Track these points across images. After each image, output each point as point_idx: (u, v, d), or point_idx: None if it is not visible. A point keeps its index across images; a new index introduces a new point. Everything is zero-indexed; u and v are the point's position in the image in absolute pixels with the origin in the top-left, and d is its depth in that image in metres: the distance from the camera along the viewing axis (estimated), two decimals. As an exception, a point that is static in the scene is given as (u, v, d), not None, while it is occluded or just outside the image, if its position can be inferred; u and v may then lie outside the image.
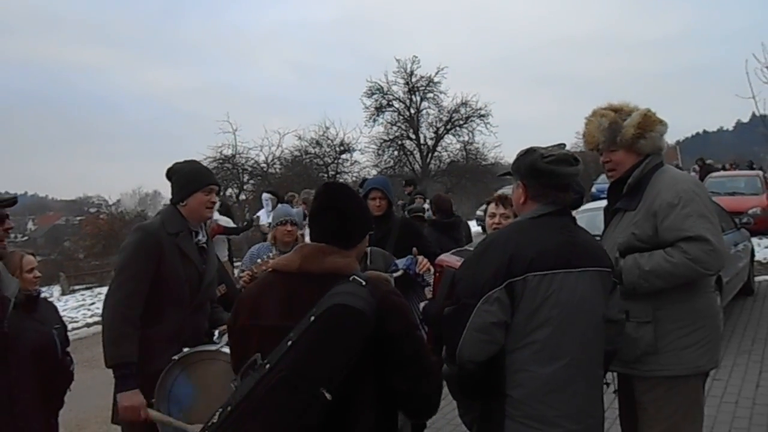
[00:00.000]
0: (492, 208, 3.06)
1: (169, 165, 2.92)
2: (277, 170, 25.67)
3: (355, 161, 27.16)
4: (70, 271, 20.08)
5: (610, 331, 2.09)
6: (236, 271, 6.44)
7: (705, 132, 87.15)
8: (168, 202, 2.94)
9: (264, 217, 9.51)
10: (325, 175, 25.20)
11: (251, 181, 25.57)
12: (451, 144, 28.09)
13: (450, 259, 2.68)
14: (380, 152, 27.29)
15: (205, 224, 2.98)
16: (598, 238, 2.49)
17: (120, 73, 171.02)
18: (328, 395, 1.56)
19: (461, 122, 27.57)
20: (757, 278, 8.65)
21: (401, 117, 27.78)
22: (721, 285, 5.84)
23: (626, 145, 2.53)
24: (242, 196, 24.79)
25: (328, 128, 26.16)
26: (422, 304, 2.95)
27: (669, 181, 2.47)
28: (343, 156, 26.68)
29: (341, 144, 26.37)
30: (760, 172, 15.44)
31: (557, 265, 1.96)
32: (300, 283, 1.75)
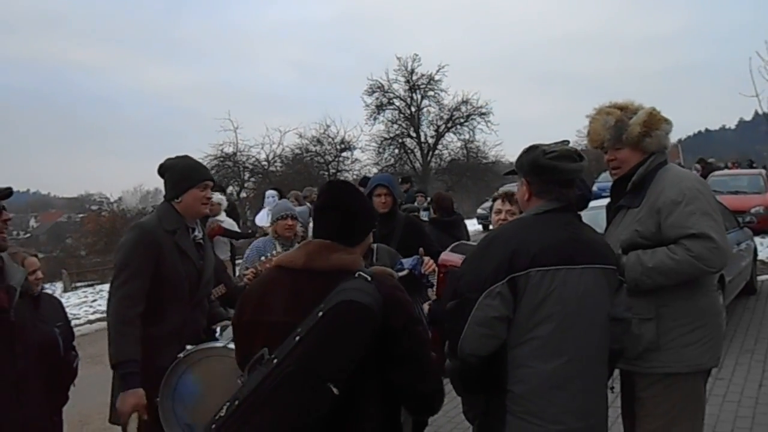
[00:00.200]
0: (498, 204, 3.05)
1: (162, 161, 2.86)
2: (278, 168, 25.74)
3: (356, 159, 27.27)
4: (72, 269, 20.19)
5: (615, 330, 2.08)
6: (237, 270, 6.47)
7: (707, 130, 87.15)
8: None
9: (264, 217, 9.52)
10: (326, 173, 25.25)
11: (252, 179, 25.65)
12: (452, 142, 28.17)
13: (453, 258, 2.67)
14: (381, 150, 27.37)
15: (205, 223, 2.97)
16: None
17: (121, 71, 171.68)
18: (335, 390, 1.57)
19: (462, 120, 27.61)
20: (760, 277, 8.63)
21: (402, 115, 27.82)
22: (723, 284, 5.84)
23: (632, 143, 2.52)
24: (243, 194, 24.84)
25: (328, 126, 26.25)
26: (425, 305, 2.95)
27: (673, 178, 2.47)
28: (344, 154, 26.76)
29: (342, 142, 26.44)
30: (763, 171, 15.33)
31: (560, 262, 1.95)
32: (305, 280, 1.75)
